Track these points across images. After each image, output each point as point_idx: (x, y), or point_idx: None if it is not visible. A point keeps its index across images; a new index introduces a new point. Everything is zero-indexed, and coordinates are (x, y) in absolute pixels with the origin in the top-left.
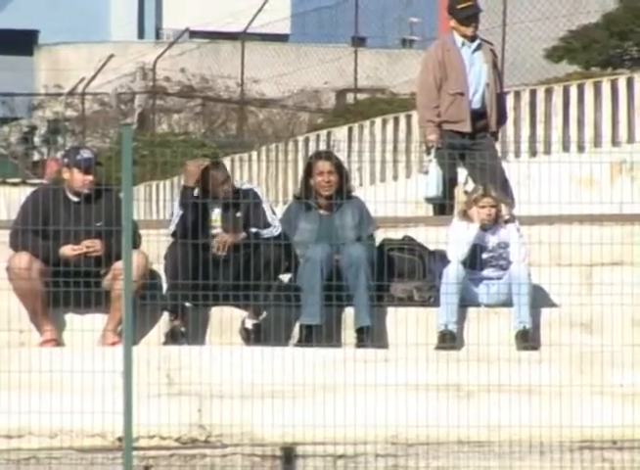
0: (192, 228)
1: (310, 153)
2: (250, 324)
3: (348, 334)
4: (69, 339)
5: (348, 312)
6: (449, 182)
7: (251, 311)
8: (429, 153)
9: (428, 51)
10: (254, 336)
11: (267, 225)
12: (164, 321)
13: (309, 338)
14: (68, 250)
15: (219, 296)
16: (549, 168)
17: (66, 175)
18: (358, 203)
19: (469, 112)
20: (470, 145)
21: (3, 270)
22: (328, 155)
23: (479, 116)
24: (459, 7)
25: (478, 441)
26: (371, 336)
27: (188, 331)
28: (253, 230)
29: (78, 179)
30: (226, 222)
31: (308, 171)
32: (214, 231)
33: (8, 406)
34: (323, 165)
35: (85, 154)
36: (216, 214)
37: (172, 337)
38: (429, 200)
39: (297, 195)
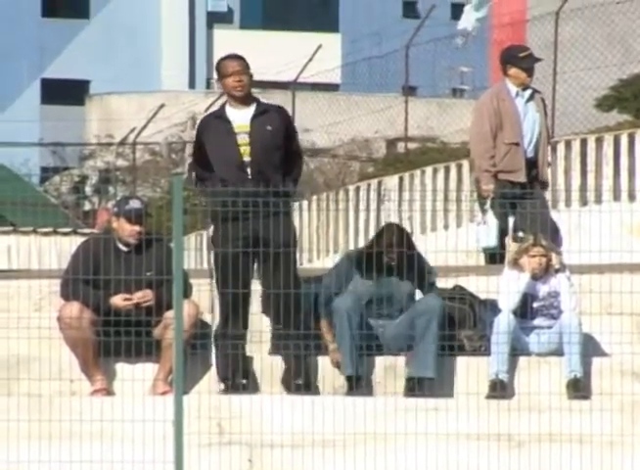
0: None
1: (361, 202)
2: (296, 382)
3: (398, 384)
4: (120, 388)
5: (398, 362)
6: (502, 232)
7: (293, 373)
8: (483, 203)
9: (481, 100)
10: (304, 391)
11: (297, 153)
12: (215, 371)
13: (350, 387)
14: (119, 300)
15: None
16: (600, 218)
17: (114, 225)
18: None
19: (524, 161)
20: (521, 194)
21: (54, 320)
22: (400, 230)
23: (531, 164)
24: (521, 55)
25: None
26: (427, 386)
27: (249, 383)
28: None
29: (126, 229)
30: (255, 133)
31: (378, 242)
32: (240, 138)
33: (59, 456)
34: (393, 239)
35: (135, 204)
36: (244, 116)
37: (233, 388)
38: (487, 250)
39: (357, 258)
